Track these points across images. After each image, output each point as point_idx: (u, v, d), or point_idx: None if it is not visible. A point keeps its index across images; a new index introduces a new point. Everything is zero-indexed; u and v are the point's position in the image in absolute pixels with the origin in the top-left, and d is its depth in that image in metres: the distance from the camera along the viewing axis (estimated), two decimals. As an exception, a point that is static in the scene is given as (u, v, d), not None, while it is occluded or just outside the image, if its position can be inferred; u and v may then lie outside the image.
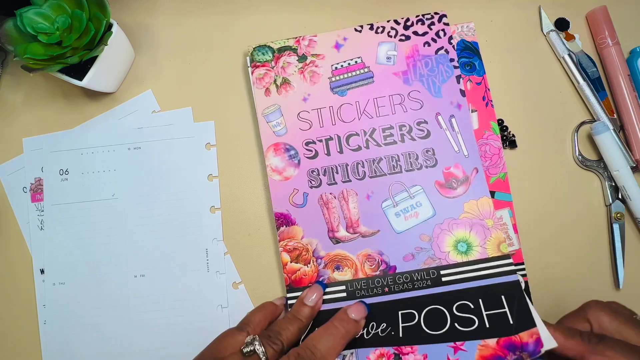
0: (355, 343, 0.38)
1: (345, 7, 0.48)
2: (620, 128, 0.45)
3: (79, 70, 0.42)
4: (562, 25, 0.47)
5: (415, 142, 0.43)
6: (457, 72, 0.44)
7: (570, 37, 0.47)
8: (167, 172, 0.46)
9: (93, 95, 0.48)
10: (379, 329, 0.39)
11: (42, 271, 0.45)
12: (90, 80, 0.42)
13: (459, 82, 0.44)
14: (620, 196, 0.43)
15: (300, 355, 0.34)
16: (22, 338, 0.45)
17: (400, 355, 0.38)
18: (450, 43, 0.44)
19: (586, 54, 0.46)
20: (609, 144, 0.43)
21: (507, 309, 0.38)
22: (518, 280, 0.39)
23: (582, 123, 0.45)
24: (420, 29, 0.45)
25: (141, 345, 0.43)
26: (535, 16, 0.47)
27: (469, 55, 0.45)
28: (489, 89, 0.45)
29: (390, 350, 0.38)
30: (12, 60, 0.49)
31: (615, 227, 0.43)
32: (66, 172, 0.46)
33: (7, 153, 0.47)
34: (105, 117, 0.47)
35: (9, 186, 0.47)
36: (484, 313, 0.38)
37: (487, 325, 0.38)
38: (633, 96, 0.44)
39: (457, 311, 0.39)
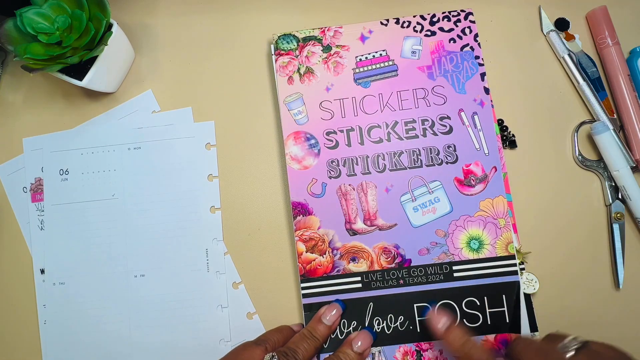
0: (380, 340, 0.40)
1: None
2: (620, 128, 0.45)
3: (79, 70, 0.42)
4: (562, 25, 0.47)
5: (437, 137, 0.43)
6: (482, 69, 0.44)
7: (570, 37, 0.47)
8: (167, 172, 0.46)
9: (93, 95, 0.48)
10: (398, 323, 0.41)
11: (42, 271, 0.45)
12: (90, 80, 0.42)
13: (483, 80, 0.44)
14: (620, 196, 0.43)
15: None
16: (22, 338, 0.45)
17: (422, 352, 0.40)
18: (476, 40, 0.44)
19: (586, 54, 0.46)
20: (609, 144, 0.43)
21: (505, 308, 0.40)
22: (518, 282, 0.40)
23: (582, 123, 0.45)
24: (446, 25, 0.45)
25: (141, 345, 0.43)
26: (535, 16, 0.47)
27: None
28: (489, 89, 0.45)
29: (412, 347, 0.40)
30: (12, 60, 0.49)
31: (615, 227, 0.43)
32: (66, 172, 0.46)
33: (7, 153, 0.47)
34: (105, 117, 0.47)
35: (9, 186, 0.47)
36: (487, 310, 0.40)
37: (489, 322, 0.40)
38: (633, 96, 0.44)
39: (466, 307, 0.41)
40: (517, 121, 0.45)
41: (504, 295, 0.40)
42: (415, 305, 0.41)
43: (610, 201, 0.43)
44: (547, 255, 0.43)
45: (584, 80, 0.45)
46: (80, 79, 0.42)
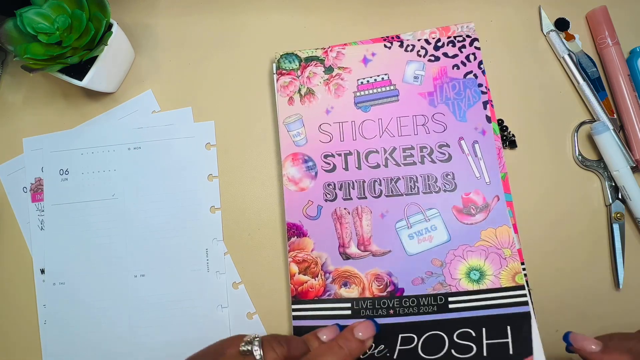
0: None
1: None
2: (620, 128, 0.45)
3: (79, 70, 0.42)
4: (562, 25, 0.47)
5: (436, 165, 0.42)
6: (485, 97, 0.43)
7: (570, 37, 0.47)
8: (167, 172, 0.46)
9: (93, 95, 0.48)
10: (375, 350, 0.39)
11: (42, 271, 0.45)
12: (90, 80, 0.42)
13: (485, 108, 0.43)
14: (620, 196, 0.43)
15: None
16: (22, 338, 0.45)
17: None
18: (480, 68, 0.44)
19: (586, 54, 0.46)
20: (609, 144, 0.43)
21: (509, 339, 0.38)
22: (529, 312, 0.39)
23: (582, 123, 0.45)
24: (450, 50, 0.44)
25: (141, 345, 0.43)
26: (535, 16, 0.47)
27: None
28: (488, 89, 0.45)
29: None
30: (12, 60, 0.49)
31: (615, 227, 0.43)
32: (66, 172, 0.46)
33: (7, 153, 0.47)
34: (105, 117, 0.47)
35: (9, 186, 0.47)
36: (485, 342, 0.38)
37: (485, 354, 0.38)
38: (633, 96, 0.44)
39: (458, 338, 0.39)
40: (517, 121, 0.45)
41: (508, 327, 0.38)
42: (400, 335, 0.39)
43: (610, 201, 0.43)
44: (546, 255, 0.43)
45: (584, 80, 0.45)
46: (80, 79, 0.42)
